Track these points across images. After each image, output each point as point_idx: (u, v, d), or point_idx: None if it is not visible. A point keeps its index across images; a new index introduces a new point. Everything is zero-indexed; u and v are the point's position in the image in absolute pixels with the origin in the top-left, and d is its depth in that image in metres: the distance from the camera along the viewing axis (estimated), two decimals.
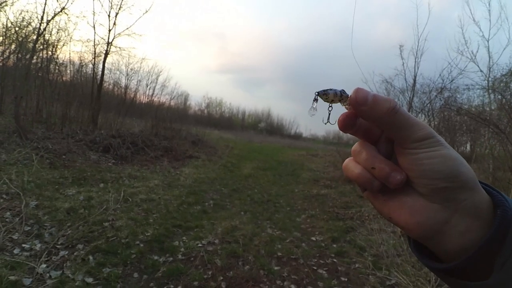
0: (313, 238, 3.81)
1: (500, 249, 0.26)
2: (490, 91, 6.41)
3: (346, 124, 0.31)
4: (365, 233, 3.99)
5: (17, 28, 8.76)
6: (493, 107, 6.27)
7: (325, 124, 0.33)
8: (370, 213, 4.67)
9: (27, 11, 8.46)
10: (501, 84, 6.39)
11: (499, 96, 5.92)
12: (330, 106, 0.32)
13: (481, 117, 5.50)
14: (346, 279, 2.85)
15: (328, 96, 0.31)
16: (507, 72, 6.32)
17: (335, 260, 3.25)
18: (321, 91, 0.32)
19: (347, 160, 0.34)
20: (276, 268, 2.90)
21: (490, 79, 6.67)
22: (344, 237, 3.90)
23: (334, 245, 3.63)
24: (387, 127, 0.29)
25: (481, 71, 6.77)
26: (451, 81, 6.97)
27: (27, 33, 8.91)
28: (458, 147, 8.51)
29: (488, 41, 6.91)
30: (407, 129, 0.28)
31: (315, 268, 3.02)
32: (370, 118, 0.29)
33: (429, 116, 8.31)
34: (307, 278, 2.78)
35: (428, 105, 8.12)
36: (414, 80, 7.85)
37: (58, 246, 2.66)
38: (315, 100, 0.32)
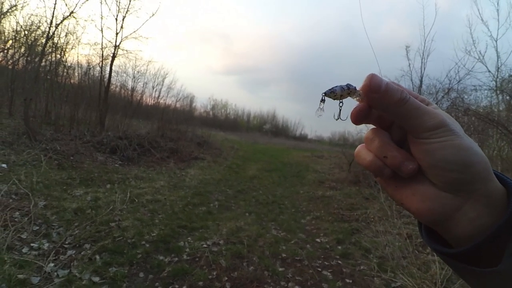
0: (318, 240, 3.80)
1: (511, 236, 0.25)
2: (498, 92, 6.32)
3: (359, 117, 0.31)
4: (370, 235, 3.97)
5: (26, 32, 8.96)
6: (501, 108, 6.18)
7: (337, 120, 0.33)
8: (375, 215, 4.64)
9: (37, 15, 8.63)
10: (510, 85, 6.30)
11: (508, 97, 5.84)
12: (340, 102, 0.32)
13: (489, 118, 5.42)
14: (351, 281, 2.84)
15: (336, 93, 0.31)
16: None
17: (340, 261, 3.23)
18: (327, 90, 0.31)
19: (359, 146, 0.33)
20: (280, 269, 2.90)
21: (498, 79, 6.59)
22: (349, 239, 3.88)
23: (339, 247, 3.61)
24: (397, 117, 0.29)
25: (489, 71, 6.69)
26: (458, 81, 6.89)
27: (36, 37, 9.09)
28: None
29: (496, 41, 6.84)
30: (417, 119, 0.27)
31: (319, 269, 3.01)
32: (379, 106, 0.29)
33: None
34: (312, 280, 2.78)
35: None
36: (421, 81, 7.79)
37: (65, 246, 2.71)
38: (322, 101, 0.32)
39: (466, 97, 6.88)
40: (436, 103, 8.27)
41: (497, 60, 6.73)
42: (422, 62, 7.75)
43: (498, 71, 6.64)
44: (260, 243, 3.44)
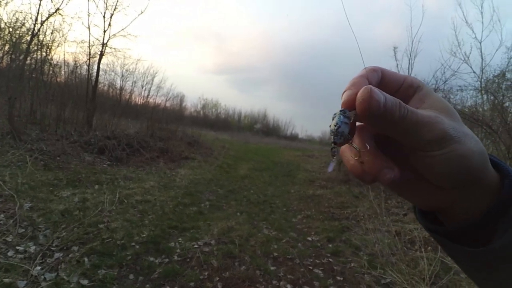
0: (309, 238, 3.83)
1: (503, 217, 0.25)
2: (483, 92, 6.51)
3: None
4: (360, 232, 4.02)
5: (11, 29, 8.68)
6: (486, 108, 6.36)
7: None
8: (365, 213, 4.70)
9: (21, 12, 8.37)
10: (494, 85, 6.49)
11: (492, 97, 6.01)
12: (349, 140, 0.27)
13: (474, 118, 5.57)
14: (341, 278, 2.87)
15: (345, 134, 0.26)
16: (499, 73, 6.42)
17: (330, 259, 3.27)
18: (335, 138, 0.26)
19: (344, 146, 0.30)
20: (272, 268, 2.91)
21: (483, 80, 6.78)
22: (340, 236, 3.92)
23: (330, 245, 3.65)
24: (393, 134, 0.26)
25: (474, 72, 6.87)
26: (445, 82, 7.06)
27: (21, 34, 8.83)
28: None
29: (480, 43, 7.03)
30: (416, 133, 0.25)
31: (311, 267, 3.03)
32: (373, 127, 0.26)
33: None
34: (303, 278, 2.79)
35: None
36: None
37: (52, 248, 2.64)
38: (334, 154, 0.28)
39: (452, 97, 7.05)
40: None
41: (482, 61, 6.94)
42: (409, 62, 7.90)
43: (482, 72, 6.84)
44: (252, 243, 3.44)
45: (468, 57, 6.97)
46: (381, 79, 0.29)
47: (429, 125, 0.25)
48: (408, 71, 7.89)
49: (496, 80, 6.48)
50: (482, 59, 6.95)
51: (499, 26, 7.05)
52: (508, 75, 6.08)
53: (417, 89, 0.29)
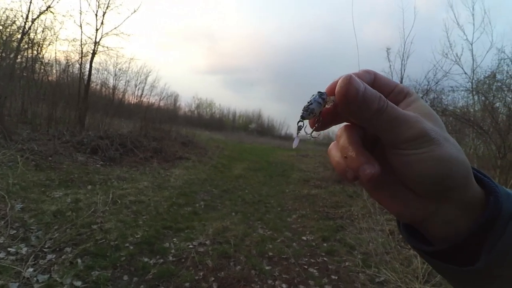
0: (304, 238, 3.85)
1: (488, 237, 0.25)
2: (474, 92, 6.62)
3: (324, 125, 0.29)
4: (354, 232, 4.06)
5: (1, 27, 8.52)
6: (477, 108, 6.46)
7: (310, 136, 0.30)
8: (359, 212, 4.74)
9: (12, 9, 8.24)
10: (485, 86, 6.60)
11: (483, 98, 6.12)
12: (318, 119, 0.29)
13: (466, 118, 5.66)
14: (336, 277, 2.89)
15: (315, 111, 0.27)
16: (490, 74, 6.53)
17: (325, 259, 3.28)
18: (303, 113, 0.28)
19: (332, 144, 0.31)
20: (267, 267, 2.91)
21: (474, 81, 6.89)
22: (334, 236, 3.94)
23: (325, 244, 3.67)
24: (371, 127, 0.26)
25: (465, 73, 6.99)
26: (436, 83, 7.16)
27: (11, 32, 8.66)
28: None
29: (472, 44, 7.15)
30: (394, 129, 0.25)
31: (306, 267, 3.04)
32: (351, 116, 0.26)
33: None
34: (298, 277, 2.80)
35: None
36: (401, 82, 8.01)
37: (45, 250, 2.61)
38: (300, 128, 0.29)
39: (444, 97, 7.16)
40: None
41: (473, 63, 7.06)
42: (402, 63, 8.00)
43: (473, 73, 6.96)
44: (247, 243, 3.44)
45: (459, 58, 7.09)
46: (374, 82, 0.29)
47: (408, 123, 0.25)
48: (401, 72, 8.00)
49: (487, 81, 6.60)
50: (473, 60, 7.08)
51: (490, 28, 7.17)
52: (498, 76, 6.19)
53: (406, 95, 0.29)
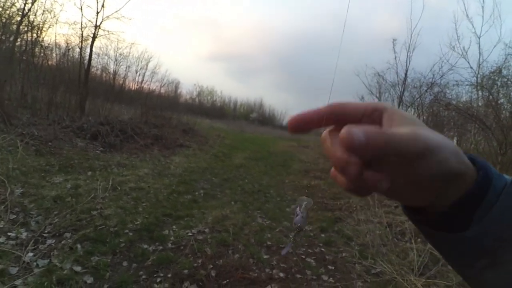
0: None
1: (479, 205, 0.27)
2: (478, 88, 6.54)
3: (297, 128, 0.31)
4: (352, 223, 4.08)
5: (0, 9, 8.37)
6: (480, 104, 6.41)
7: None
8: (357, 204, 4.77)
9: None
10: (489, 82, 6.52)
11: (487, 93, 6.05)
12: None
13: (469, 113, 5.62)
14: (333, 268, 2.92)
15: (301, 226, 0.35)
16: (496, 69, 6.44)
17: (323, 249, 3.32)
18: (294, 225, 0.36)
19: (333, 170, 0.32)
20: (265, 256, 2.94)
21: (479, 76, 6.80)
22: (332, 227, 3.97)
23: (323, 235, 3.70)
24: (387, 155, 0.26)
25: (471, 67, 6.89)
26: (441, 76, 7.09)
27: (11, 14, 8.52)
28: None
29: (479, 38, 7.02)
30: (404, 149, 0.25)
31: (303, 256, 3.07)
32: (368, 156, 0.26)
33: (418, 110, 8.44)
34: (296, 267, 2.84)
35: (418, 99, 8.24)
36: (406, 74, 7.93)
37: (45, 235, 2.63)
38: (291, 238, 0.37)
39: (448, 91, 7.10)
40: (420, 97, 8.47)
41: (479, 57, 6.95)
42: (407, 55, 7.89)
43: (479, 67, 6.86)
44: (246, 231, 3.47)
45: (466, 52, 6.98)
46: (342, 111, 0.30)
47: (411, 140, 0.25)
48: (406, 64, 7.89)
49: (492, 77, 6.51)
50: (480, 54, 6.97)
51: (499, 22, 7.02)
52: (504, 72, 6.10)
53: (383, 111, 0.30)
